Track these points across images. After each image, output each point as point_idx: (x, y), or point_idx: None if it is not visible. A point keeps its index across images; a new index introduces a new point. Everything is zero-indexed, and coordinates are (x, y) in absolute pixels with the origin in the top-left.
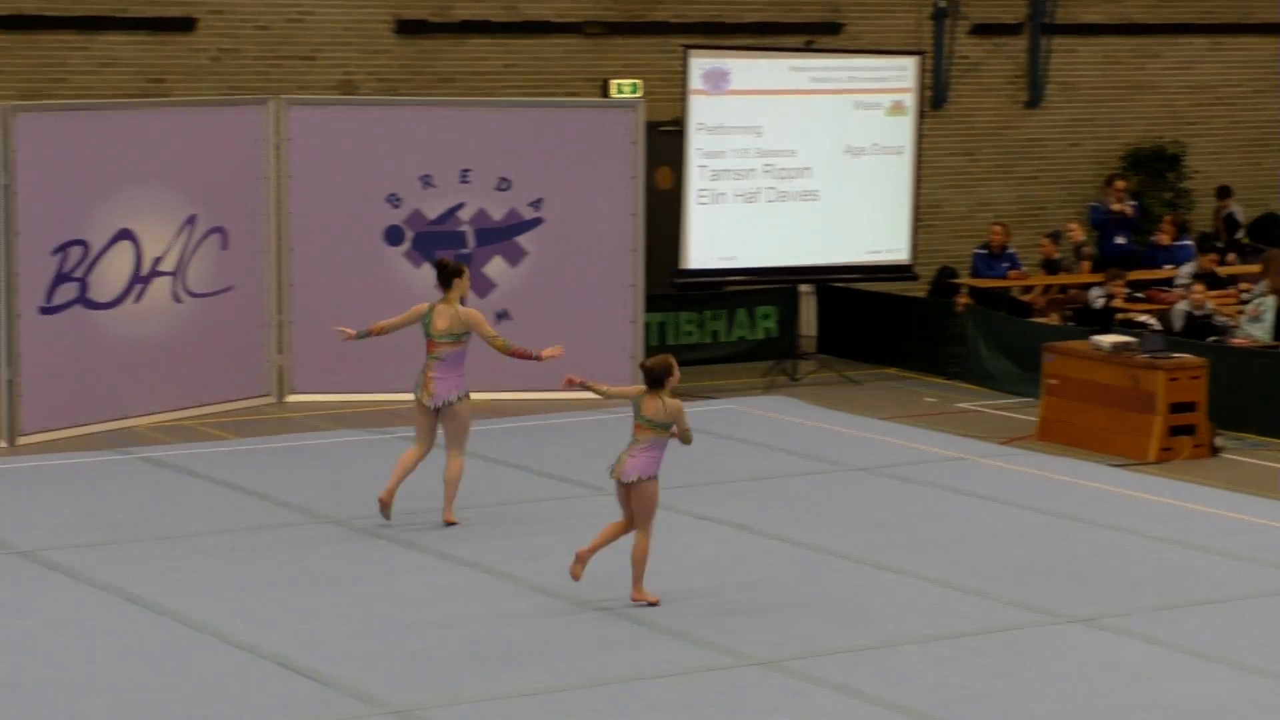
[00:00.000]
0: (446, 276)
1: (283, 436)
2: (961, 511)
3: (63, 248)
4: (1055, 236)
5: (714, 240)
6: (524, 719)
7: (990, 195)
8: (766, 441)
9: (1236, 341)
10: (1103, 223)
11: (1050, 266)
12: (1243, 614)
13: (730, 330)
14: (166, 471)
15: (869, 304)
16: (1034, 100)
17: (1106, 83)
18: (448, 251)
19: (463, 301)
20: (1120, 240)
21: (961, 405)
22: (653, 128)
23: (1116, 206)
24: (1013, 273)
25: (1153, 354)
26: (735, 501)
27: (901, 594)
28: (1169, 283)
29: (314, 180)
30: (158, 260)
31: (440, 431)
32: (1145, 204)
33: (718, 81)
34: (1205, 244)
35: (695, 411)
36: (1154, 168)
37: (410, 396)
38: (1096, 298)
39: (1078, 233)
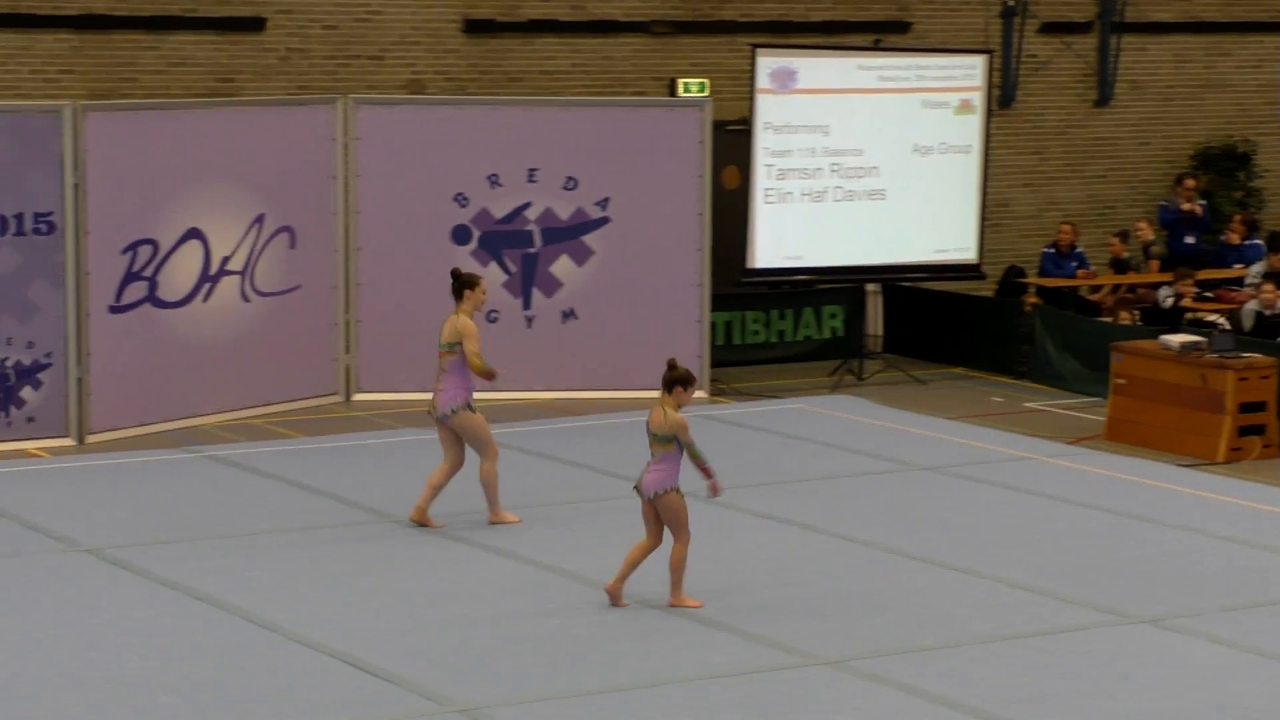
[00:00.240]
0: (458, 288)
1: (349, 435)
2: (1029, 511)
3: (132, 247)
4: (1124, 236)
5: (780, 239)
6: (588, 719)
7: (1059, 194)
8: (833, 441)
9: None
10: (1172, 222)
11: (1119, 266)
12: None
13: (797, 330)
14: (234, 470)
15: (936, 303)
16: (1103, 99)
17: (1176, 81)
18: (515, 252)
19: (477, 313)
20: (1189, 239)
21: (1029, 405)
22: (720, 127)
23: (1186, 205)
24: (1081, 272)
25: (1222, 354)
26: (801, 501)
27: (968, 594)
28: (1239, 282)
29: (382, 179)
30: (226, 259)
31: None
32: (1215, 203)
33: (785, 80)
34: (1275, 243)
35: (761, 411)
36: (1224, 166)
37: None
38: (1165, 297)
39: (1147, 232)
